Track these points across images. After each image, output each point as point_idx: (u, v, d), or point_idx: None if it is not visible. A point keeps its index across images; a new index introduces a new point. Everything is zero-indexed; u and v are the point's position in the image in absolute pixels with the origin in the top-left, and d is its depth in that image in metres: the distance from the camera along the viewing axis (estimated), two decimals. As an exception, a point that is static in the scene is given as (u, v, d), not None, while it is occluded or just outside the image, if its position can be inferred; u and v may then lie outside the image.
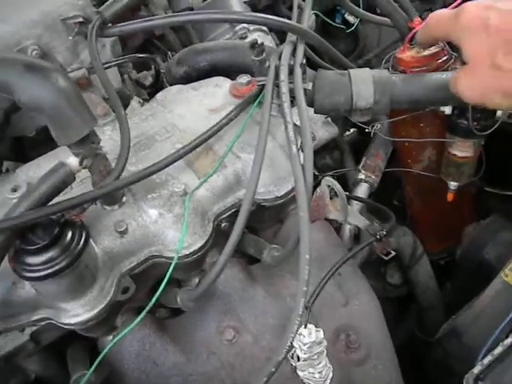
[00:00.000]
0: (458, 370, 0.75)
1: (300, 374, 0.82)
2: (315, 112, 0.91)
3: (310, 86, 0.89)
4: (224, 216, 0.87)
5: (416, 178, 1.22)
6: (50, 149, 0.95)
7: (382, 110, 0.90)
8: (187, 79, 1.12)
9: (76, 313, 0.75)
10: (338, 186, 0.92)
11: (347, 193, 1.11)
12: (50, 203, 0.70)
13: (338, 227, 1.14)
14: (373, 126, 1.13)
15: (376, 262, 1.32)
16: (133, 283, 0.80)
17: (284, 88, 0.82)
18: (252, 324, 0.88)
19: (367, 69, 0.91)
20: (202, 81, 1.07)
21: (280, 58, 0.87)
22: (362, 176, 1.22)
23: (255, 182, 0.77)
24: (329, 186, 0.95)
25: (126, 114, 0.83)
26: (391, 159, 1.28)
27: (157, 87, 1.21)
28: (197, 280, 0.91)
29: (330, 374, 0.83)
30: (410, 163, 1.20)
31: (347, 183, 1.26)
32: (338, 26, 1.63)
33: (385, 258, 1.11)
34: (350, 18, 1.66)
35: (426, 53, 1.01)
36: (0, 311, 0.76)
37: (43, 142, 1.03)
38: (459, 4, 0.75)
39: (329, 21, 1.57)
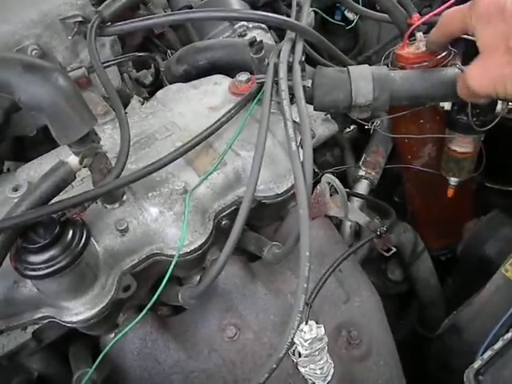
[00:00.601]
0: (458, 366, 0.75)
1: (301, 370, 0.82)
2: (315, 109, 0.92)
3: (309, 83, 0.89)
4: (224, 214, 0.88)
5: (416, 175, 1.22)
6: (50, 148, 0.95)
7: (381, 107, 0.91)
8: (187, 77, 1.12)
9: (78, 311, 0.75)
10: (338, 183, 0.92)
11: (347, 189, 1.12)
12: (51, 202, 0.70)
13: (338, 224, 1.14)
14: (372, 123, 1.13)
15: (377, 259, 1.32)
16: (134, 281, 0.80)
17: (283, 85, 0.83)
18: (253, 321, 0.88)
19: (366, 65, 0.91)
20: (201, 79, 1.08)
21: (279, 56, 0.87)
22: (362, 173, 1.22)
23: (255, 180, 0.77)
24: (329, 183, 0.95)
25: (126, 113, 0.84)
26: (391, 156, 1.28)
27: (156, 86, 1.21)
28: (198, 278, 0.91)
29: (332, 370, 0.84)
30: (410, 159, 1.20)
31: (347, 180, 1.26)
32: (337, 22, 1.63)
33: (385, 254, 1.11)
34: (350, 15, 1.66)
35: (426, 48, 1.01)
36: (2, 310, 0.76)
37: (44, 142, 1.04)
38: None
39: (328, 18, 1.57)
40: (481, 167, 1.18)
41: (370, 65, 0.90)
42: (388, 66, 1.04)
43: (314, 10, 1.40)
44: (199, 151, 0.88)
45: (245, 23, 1.28)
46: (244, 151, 0.88)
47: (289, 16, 0.98)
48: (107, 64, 1.01)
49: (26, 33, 0.93)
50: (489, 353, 0.69)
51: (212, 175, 0.86)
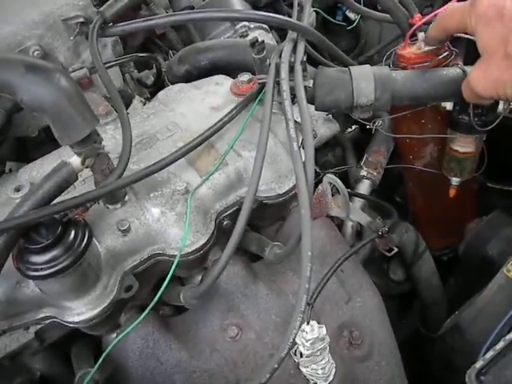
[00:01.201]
0: (461, 366, 0.75)
1: (303, 370, 0.82)
2: (316, 109, 0.92)
3: (310, 83, 0.89)
4: (226, 214, 0.88)
5: (418, 175, 1.22)
6: (52, 149, 0.95)
7: (383, 107, 0.91)
8: (188, 78, 1.12)
9: (80, 311, 0.76)
10: (339, 183, 0.92)
11: (349, 190, 1.12)
12: (53, 202, 0.70)
13: (340, 224, 1.14)
14: (374, 123, 1.13)
15: (379, 259, 1.32)
16: (136, 281, 0.81)
17: (284, 85, 0.83)
18: (255, 321, 0.88)
19: (368, 65, 0.91)
20: (203, 79, 1.08)
21: (280, 56, 0.87)
22: (363, 173, 1.22)
23: (257, 180, 0.78)
24: (330, 184, 0.95)
25: (128, 114, 0.84)
26: (393, 156, 1.28)
27: (158, 86, 1.21)
28: (199, 278, 0.91)
29: (333, 370, 0.84)
30: (411, 159, 1.20)
31: (349, 180, 1.26)
32: (338, 23, 1.63)
33: (387, 254, 1.11)
34: (351, 15, 1.66)
35: (427, 49, 1.01)
36: (5, 310, 0.76)
37: (46, 143, 1.04)
38: None
39: (329, 18, 1.57)
40: (482, 167, 1.18)
41: (372, 65, 0.90)
42: (389, 67, 1.04)
43: (315, 10, 1.40)
44: (201, 151, 0.88)
45: (246, 23, 1.28)
46: (246, 151, 0.88)
47: (290, 16, 0.98)
48: (109, 64, 1.01)
49: (27, 34, 0.93)
50: (491, 353, 0.69)
51: (214, 175, 0.86)
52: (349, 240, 1.15)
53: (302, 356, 0.80)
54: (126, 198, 0.83)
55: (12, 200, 0.84)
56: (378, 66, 0.93)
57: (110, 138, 0.93)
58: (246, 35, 1.27)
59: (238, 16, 0.96)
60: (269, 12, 0.93)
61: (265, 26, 1.30)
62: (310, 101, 0.90)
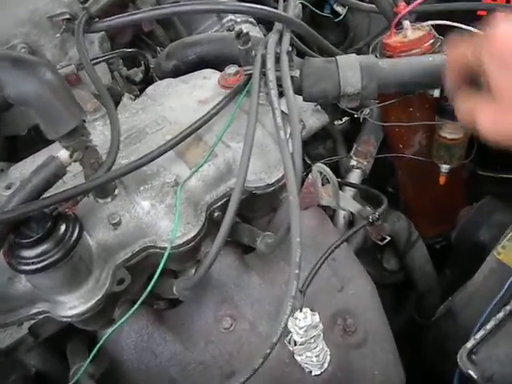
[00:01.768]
0: (453, 350, 0.76)
1: (298, 358, 0.83)
2: (304, 100, 0.92)
3: (297, 73, 0.90)
4: (216, 205, 0.88)
5: (408, 163, 1.22)
6: (42, 148, 0.95)
7: (370, 95, 0.91)
8: (176, 73, 1.12)
9: (72, 305, 0.76)
10: (328, 172, 0.93)
11: (340, 180, 1.12)
12: (43, 197, 0.70)
13: (331, 215, 1.15)
14: (362, 112, 1.14)
15: (372, 249, 1.32)
16: (128, 274, 0.81)
17: (271, 75, 0.83)
18: (249, 311, 0.89)
19: (354, 55, 0.92)
20: (191, 74, 1.08)
21: (266, 47, 0.88)
22: (353, 162, 1.23)
23: (245, 170, 0.78)
24: (320, 173, 0.95)
25: (117, 109, 0.84)
26: (383, 146, 1.29)
27: (147, 83, 1.21)
28: (193, 271, 0.91)
29: (328, 358, 0.84)
30: (401, 148, 1.21)
31: (340, 171, 1.27)
32: (326, 15, 1.64)
33: (380, 243, 1.11)
34: (339, 9, 1.66)
35: (413, 37, 1.02)
36: (-3, 307, 0.77)
37: (37, 142, 1.04)
38: None
39: (317, 11, 1.58)
40: (472, 154, 1.18)
41: (360, 57, 0.91)
42: (376, 57, 1.05)
43: (302, 3, 1.41)
44: (190, 144, 0.88)
45: (233, 17, 1.28)
46: (234, 143, 0.89)
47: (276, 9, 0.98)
48: (96, 61, 1.01)
49: (13, 31, 0.93)
50: (481, 332, 0.69)
51: (203, 167, 0.86)
52: (341, 230, 1.16)
53: (296, 344, 0.80)
54: (116, 191, 0.83)
55: (2, 197, 0.84)
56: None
57: (99, 134, 0.93)
58: (233, 29, 1.28)
59: (222, 8, 0.96)
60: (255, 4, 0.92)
61: (252, 19, 1.30)
62: (298, 91, 0.90)
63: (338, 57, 0.91)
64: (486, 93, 0.58)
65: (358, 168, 1.22)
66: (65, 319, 0.77)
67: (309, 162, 1.15)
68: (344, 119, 1.32)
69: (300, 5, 1.35)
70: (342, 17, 1.60)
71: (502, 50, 0.55)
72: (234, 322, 0.88)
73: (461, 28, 0.99)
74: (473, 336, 0.70)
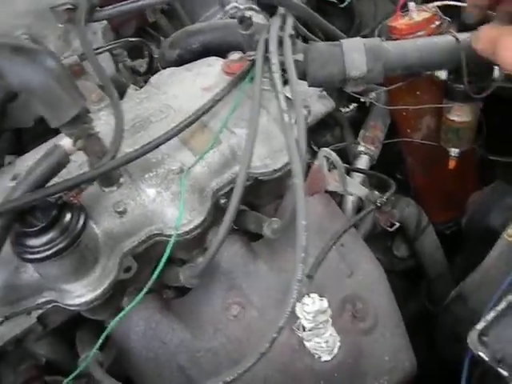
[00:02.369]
0: (464, 334, 0.75)
1: (307, 344, 0.82)
2: (309, 85, 0.91)
3: (301, 57, 0.88)
4: (222, 192, 0.87)
5: (416, 148, 1.21)
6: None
7: (375, 78, 0.90)
8: (181, 62, 1.12)
9: (80, 293, 0.76)
10: (334, 156, 0.92)
11: (347, 165, 1.11)
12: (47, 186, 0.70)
13: (340, 201, 1.14)
14: (368, 97, 1.12)
15: (381, 236, 1.31)
16: (135, 262, 0.81)
17: (274, 59, 0.82)
18: (256, 299, 0.88)
19: (359, 38, 0.91)
20: (195, 62, 1.07)
21: (269, 31, 0.87)
22: (361, 148, 1.21)
23: (249, 155, 0.78)
24: (328, 159, 0.94)
25: (120, 98, 0.84)
26: (391, 132, 1.27)
27: (152, 74, 1.21)
28: (200, 259, 0.91)
29: (337, 343, 0.84)
30: (409, 133, 1.20)
31: (348, 158, 1.26)
32: (331, 0, 1.62)
33: (389, 229, 1.10)
34: (345, -4, 1.65)
35: (419, 19, 1.00)
36: (5, 296, 0.77)
37: (42, 135, 1.04)
38: None
39: (322, -3, 1.56)
40: (481, 138, 1.17)
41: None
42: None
43: (306, -10, 1.39)
44: (194, 131, 0.87)
45: (236, 4, 1.27)
46: (238, 129, 0.88)
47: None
48: (99, 50, 1.00)
49: (16, 23, 0.93)
50: (492, 314, 0.68)
51: (208, 154, 0.86)
52: (349, 215, 1.15)
53: (304, 330, 0.80)
54: (121, 180, 0.83)
55: (9, 188, 0.84)
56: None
57: (104, 124, 0.93)
58: (237, 16, 1.26)
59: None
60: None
61: (255, 6, 1.29)
62: (302, 76, 0.89)
63: (342, 40, 0.90)
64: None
65: (365, 154, 1.21)
66: (72, 308, 0.77)
67: (316, 149, 1.14)
68: (351, 106, 1.31)
69: (304, -10, 1.33)
70: (347, 2, 1.57)
71: None
72: (243, 310, 0.87)
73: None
74: (483, 318, 0.69)
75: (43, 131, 1.05)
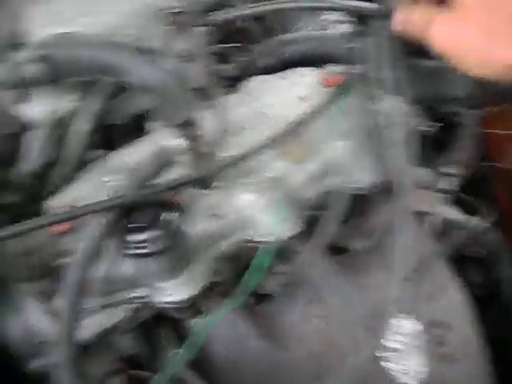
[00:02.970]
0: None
1: (391, 366, 0.81)
2: (409, 103, 0.90)
3: (400, 73, 0.87)
4: (316, 204, 0.87)
5: (506, 174, 1.17)
6: (135, 138, 0.97)
7: (475, 101, 0.88)
8: (272, 70, 1.12)
9: (171, 292, 0.77)
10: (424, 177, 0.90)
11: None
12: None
13: (427, 221, 1.11)
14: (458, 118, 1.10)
15: (457, 259, 1.28)
16: (225, 266, 0.81)
17: (373, 74, 0.82)
18: (339, 313, 0.87)
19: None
20: (287, 70, 1.07)
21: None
22: (448, 169, 1.18)
23: (347, 171, 0.77)
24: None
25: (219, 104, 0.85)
26: (479, 154, 1.24)
27: (241, 79, 1.22)
28: (285, 268, 0.91)
29: (422, 369, 0.82)
30: (498, 158, 1.16)
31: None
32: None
33: (469, 255, 1.07)
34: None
35: None
36: (101, 288, 0.78)
37: (131, 133, 1.07)
38: None
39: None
40: None
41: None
42: None
43: None
44: (291, 140, 0.87)
45: (327, 17, 1.26)
46: (335, 141, 0.88)
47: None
48: (199, 55, 1.02)
49: (123, 23, 0.95)
50: None
51: (304, 164, 0.86)
52: (435, 236, 1.12)
53: (391, 351, 0.79)
54: (217, 184, 0.84)
55: (104, 183, 0.86)
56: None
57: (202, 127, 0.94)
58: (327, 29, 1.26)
59: (328, 5, 0.94)
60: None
61: (345, 18, 1.28)
62: (400, 92, 0.88)
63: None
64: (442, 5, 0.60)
65: (452, 175, 1.18)
66: (162, 305, 0.78)
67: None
68: (435, 124, 1.28)
69: None
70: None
71: None
72: (324, 323, 0.87)
73: None
74: None
75: (132, 129, 1.08)
